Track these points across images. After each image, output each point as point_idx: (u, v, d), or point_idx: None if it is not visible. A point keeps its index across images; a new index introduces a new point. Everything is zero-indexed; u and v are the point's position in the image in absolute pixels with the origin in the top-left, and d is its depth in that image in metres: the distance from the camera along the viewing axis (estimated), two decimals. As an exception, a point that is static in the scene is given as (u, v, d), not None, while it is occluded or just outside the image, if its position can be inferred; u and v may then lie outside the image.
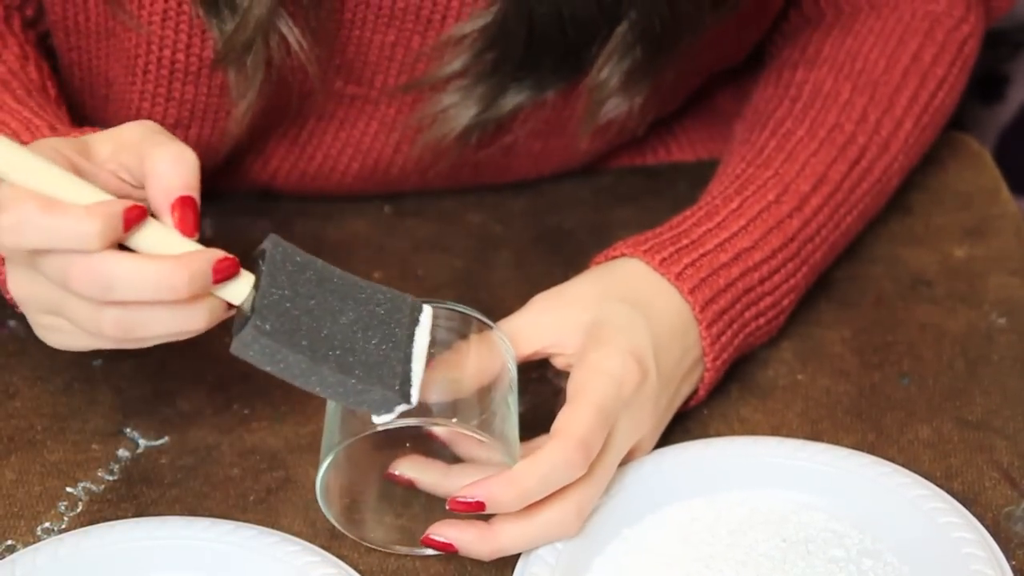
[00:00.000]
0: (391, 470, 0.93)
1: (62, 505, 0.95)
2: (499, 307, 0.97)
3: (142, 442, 0.98)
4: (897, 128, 1.08)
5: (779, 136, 1.05)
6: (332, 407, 0.89)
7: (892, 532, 0.91)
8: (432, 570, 0.91)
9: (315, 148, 1.10)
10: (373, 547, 0.92)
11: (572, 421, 0.88)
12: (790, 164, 1.03)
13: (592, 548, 0.91)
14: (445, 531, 0.89)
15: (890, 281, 1.10)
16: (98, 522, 0.93)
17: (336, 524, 0.91)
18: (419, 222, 1.15)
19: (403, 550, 0.92)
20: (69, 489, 0.95)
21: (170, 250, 0.82)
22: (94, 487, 0.96)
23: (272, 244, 0.86)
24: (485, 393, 0.89)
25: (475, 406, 0.88)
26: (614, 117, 1.03)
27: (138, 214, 0.82)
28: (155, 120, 1.02)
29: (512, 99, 1.02)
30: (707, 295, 0.97)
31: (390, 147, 1.09)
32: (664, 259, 0.97)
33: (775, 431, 0.99)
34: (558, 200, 1.17)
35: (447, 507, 0.88)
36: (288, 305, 0.84)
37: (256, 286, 0.84)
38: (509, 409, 0.89)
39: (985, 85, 1.46)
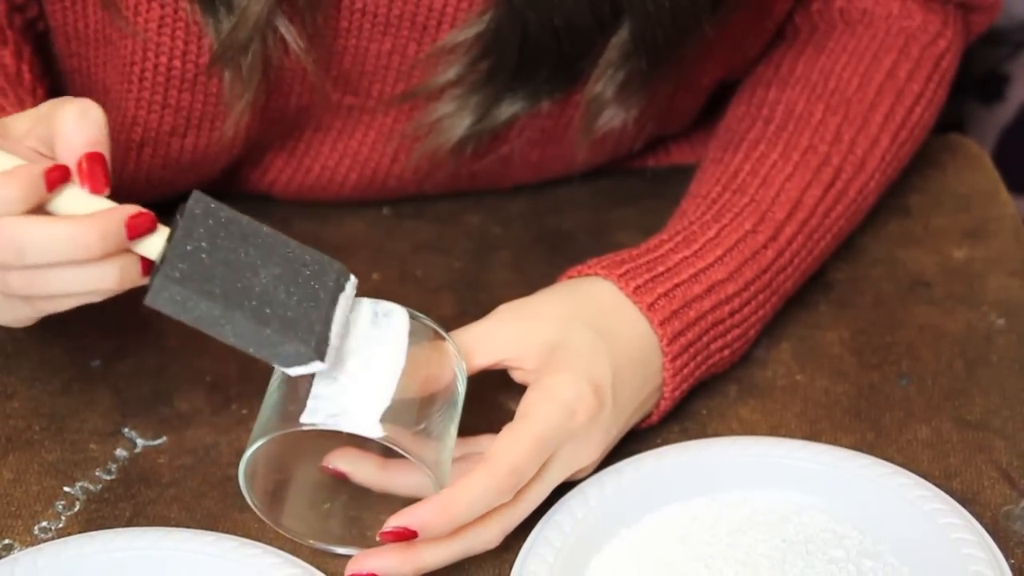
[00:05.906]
0: (325, 462, 0.92)
1: (60, 504, 0.94)
2: (498, 308, 0.97)
3: (140, 442, 0.98)
4: (873, 146, 1.06)
5: (753, 159, 1.04)
6: (273, 390, 0.88)
7: (892, 533, 0.91)
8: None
9: (313, 159, 1.10)
10: (288, 536, 0.91)
11: (507, 447, 0.87)
12: (765, 190, 1.02)
13: (591, 548, 0.91)
14: (366, 563, 0.88)
15: (889, 282, 1.10)
16: (96, 521, 0.93)
17: (255, 509, 0.89)
18: (418, 224, 1.15)
19: (319, 545, 0.91)
20: (67, 489, 0.95)
21: (88, 209, 0.81)
22: (92, 487, 0.95)
23: (194, 200, 0.83)
24: (428, 402, 0.87)
25: (414, 413, 0.87)
26: (610, 129, 1.03)
27: (60, 174, 0.80)
28: (151, 128, 1.03)
29: (507, 109, 1.01)
30: (676, 328, 0.96)
31: (387, 157, 1.09)
32: (638, 287, 0.96)
33: (774, 431, 0.99)
34: (557, 201, 1.17)
35: (378, 539, 0.86)
36: (203, 256, 0.82)
37: (170, 239, 0.82)
38: (448, 421, 0.88)
39: (985, 85, 1.46)
